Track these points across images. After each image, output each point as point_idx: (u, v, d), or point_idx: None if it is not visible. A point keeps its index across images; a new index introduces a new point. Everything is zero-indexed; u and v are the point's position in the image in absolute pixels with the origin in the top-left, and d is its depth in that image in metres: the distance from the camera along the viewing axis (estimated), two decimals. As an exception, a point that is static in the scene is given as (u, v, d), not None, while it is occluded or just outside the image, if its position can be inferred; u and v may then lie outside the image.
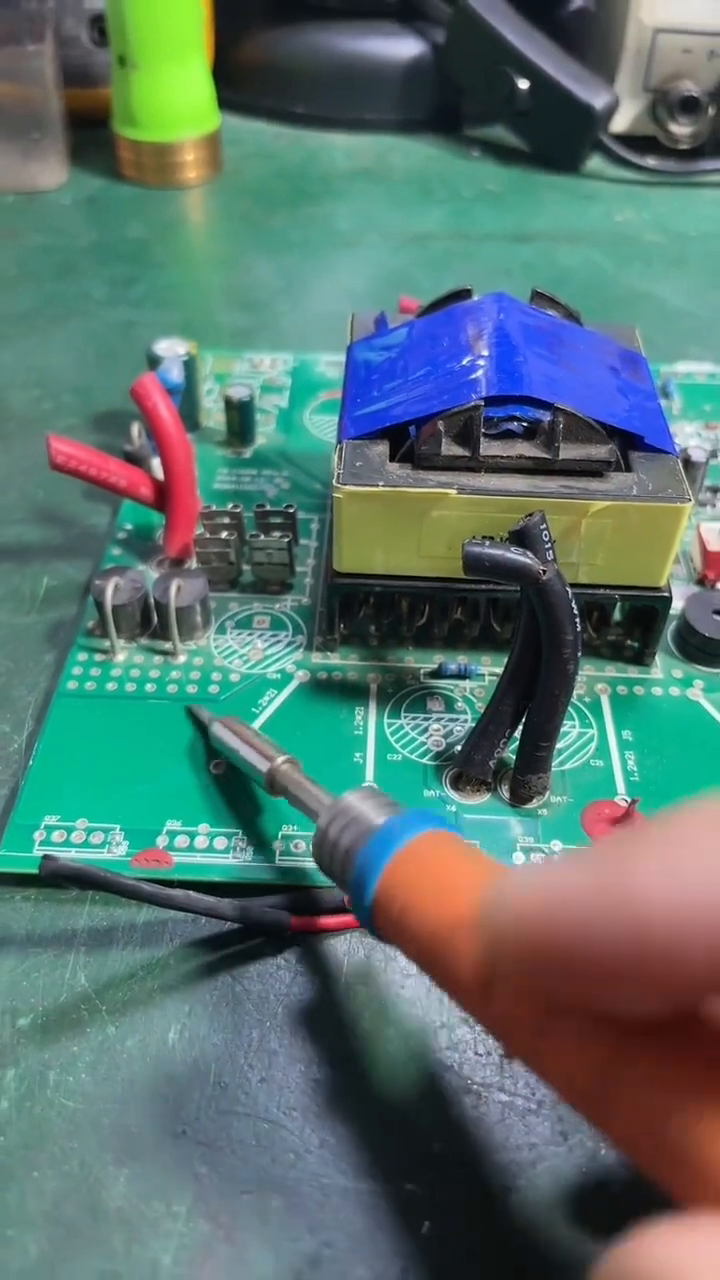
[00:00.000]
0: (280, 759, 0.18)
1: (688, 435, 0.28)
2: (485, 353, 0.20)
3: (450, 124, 0.49)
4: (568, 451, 0.19)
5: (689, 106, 0.43)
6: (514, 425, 0.19)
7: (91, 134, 0.45)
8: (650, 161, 0.44)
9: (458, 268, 0.38)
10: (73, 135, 0.45)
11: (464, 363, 0.20)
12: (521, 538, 0.18)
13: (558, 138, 0.44)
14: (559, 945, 0.10)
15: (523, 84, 0.42)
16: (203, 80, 0.43)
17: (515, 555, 0.17)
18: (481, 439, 0.19)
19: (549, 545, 0.18)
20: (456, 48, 0.45)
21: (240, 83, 0.50)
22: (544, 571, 0.17)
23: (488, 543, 0.17)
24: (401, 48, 0.47)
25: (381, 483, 0.19)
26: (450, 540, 0.20)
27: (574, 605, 0.17)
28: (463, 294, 0.23)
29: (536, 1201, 0.15)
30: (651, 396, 0.21)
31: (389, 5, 0.48)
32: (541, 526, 0.18)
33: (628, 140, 0.45)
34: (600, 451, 0.19)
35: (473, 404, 0.19)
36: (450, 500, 0.19)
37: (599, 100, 0.42)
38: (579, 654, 0.18)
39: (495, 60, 0.43)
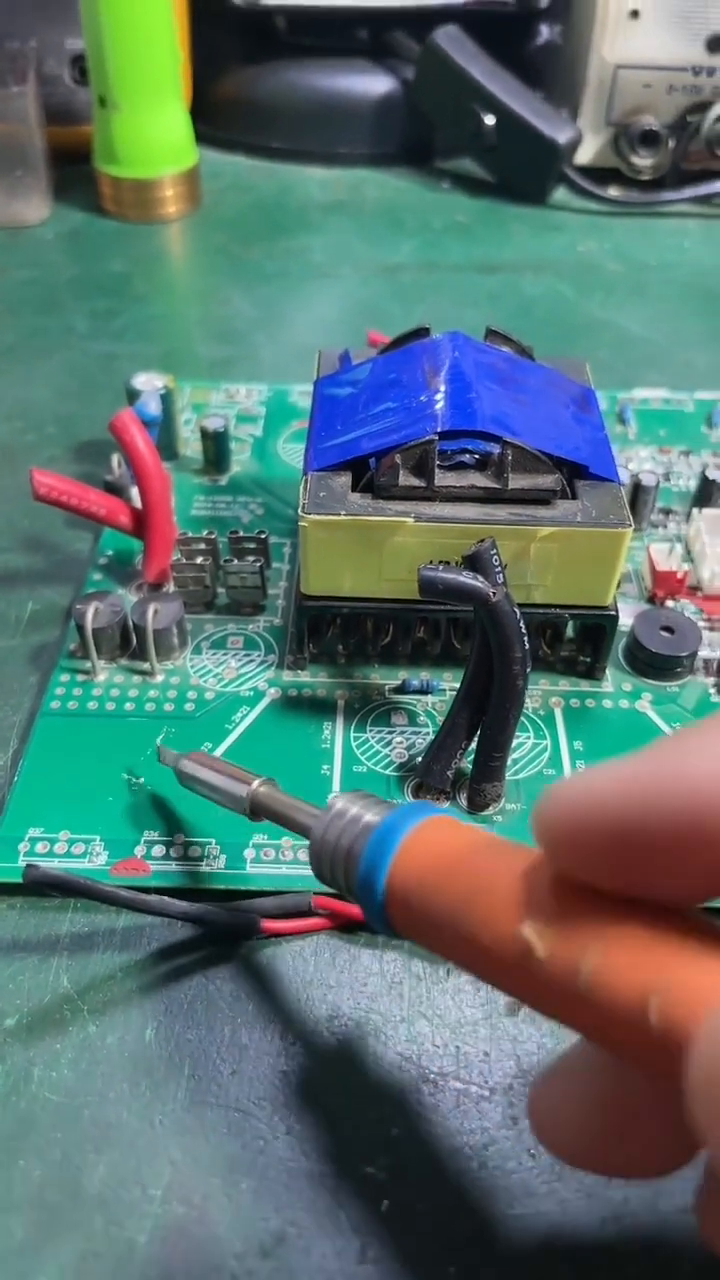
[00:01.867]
0: (257, 782, 0.18)
1: (642, 459, 0.30)
2: (441, 389, 0.22)
3: (421, 157, 0.50)
4: (516, 481, 0.20)
5: (649, 140, 0.45)
6: (466, 457, 0.21)
7: (74, 170, 0.47)
8: (613, 193, 0.46)
9: (427, 298, 0.40)
10: (55, 171, 0.46)
11: (421, 399, 0.22)
12: (474, 562, 0.19)
13: (524, 171, 0.46)
14: (617, 823, 0.10)
15: (489, 120, 0.44)
16: (181, 119, 0.44)
17: (466, 579, 0.19)
18: (436, 470, 0.21)
19: (499, 569, 0.19)
20: (426, 84, 0.47)
21: (218, 119, 0.51)
22: (493, 594, 0.18)
23: (442, 567, 0.19)
24: (373, 84, 0.49)
25: (344, 512, 0.21)
26: (409, 564, 0.21)
27: (522, 625, 0.19)
28: (421, 332, 0.24)
29: (488, 1180, 0.16)
30: (599, 428, 0.23)
31: (361, 43, 0.50)
32: (492, 552, 0.19)
33: (592, 172, 0.47)
34: (547, 481, 0.20)
35: (428, 438, 0.20)
36: (408, 528, 0.21)
37: (563, 135, 0.44)
38: (528, 670, 0.19)
39: (463, 97, 0.45)
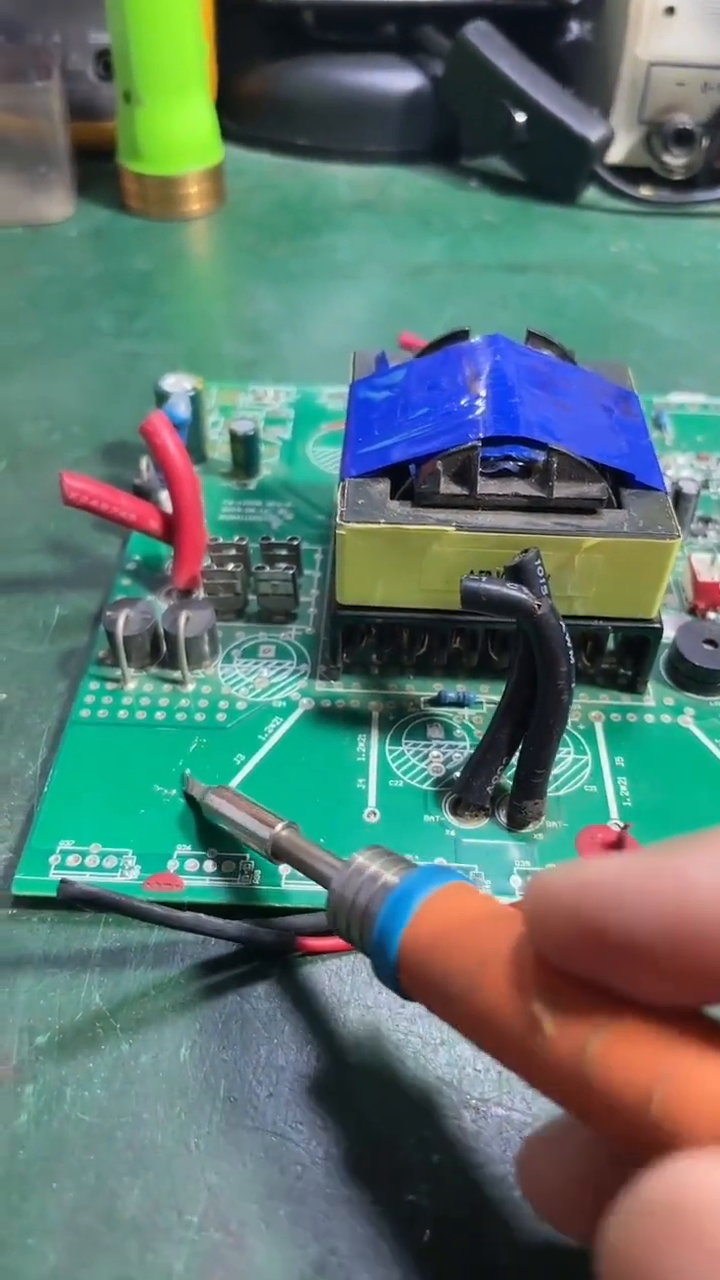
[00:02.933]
0: (280, 825, 0.18)
1: (680, 466, 0.29)
2: (482, 394, 0.21)
3: (449, 155, 0.50)
4: (561, 490, 0.20)
5: (683, 139, 0.44)
6: (510, 465, 0.20)
7: (97, 166, 0.46)
8: (645, 192, 0.45)
9: (456, 299, 0.39)
10: (79, 168, 0.46)
11: (462, 404, 0.21)
12: (517, 573, 0.18)
13: (554, 169, 0.45)
14: (604, 915, 0.10)
15: (520, 117, 0.44)
16: (206, 115, 0.44)
17: (511, 590, 0.18)
18: (479, 478, 0.20)
19: (543, 580, 0.18)
20: (455, 81, 0.46)
21: (243, 115, 0.51)
22: (539, 606, 0.18)
23: (484, 578, 0.18)
24: (401, 80, 0.49)
25: (383, 520, 0.20)
26: (449, 574, 0.21)
27: (568, 638, 0.18)
28: (460, 335, 0.24)
29: (532, 1212, 0.16)
30: (643, 434, 0.22)
31: (389, 38, 0.49)
32: (536, 562, 0.18)
33: (623, 171, 0.46)
34: (593, 490, 0.20)
35: (470, 444, 0.20)
36: (449, 537, 0.20)
37: (594, 133, 0.43)
38: (573, 684, 0.19)
39: (493, 93, 0.44)
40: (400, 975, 0.14)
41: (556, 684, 0.18)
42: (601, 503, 0.20)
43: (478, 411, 0.21)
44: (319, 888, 0.18)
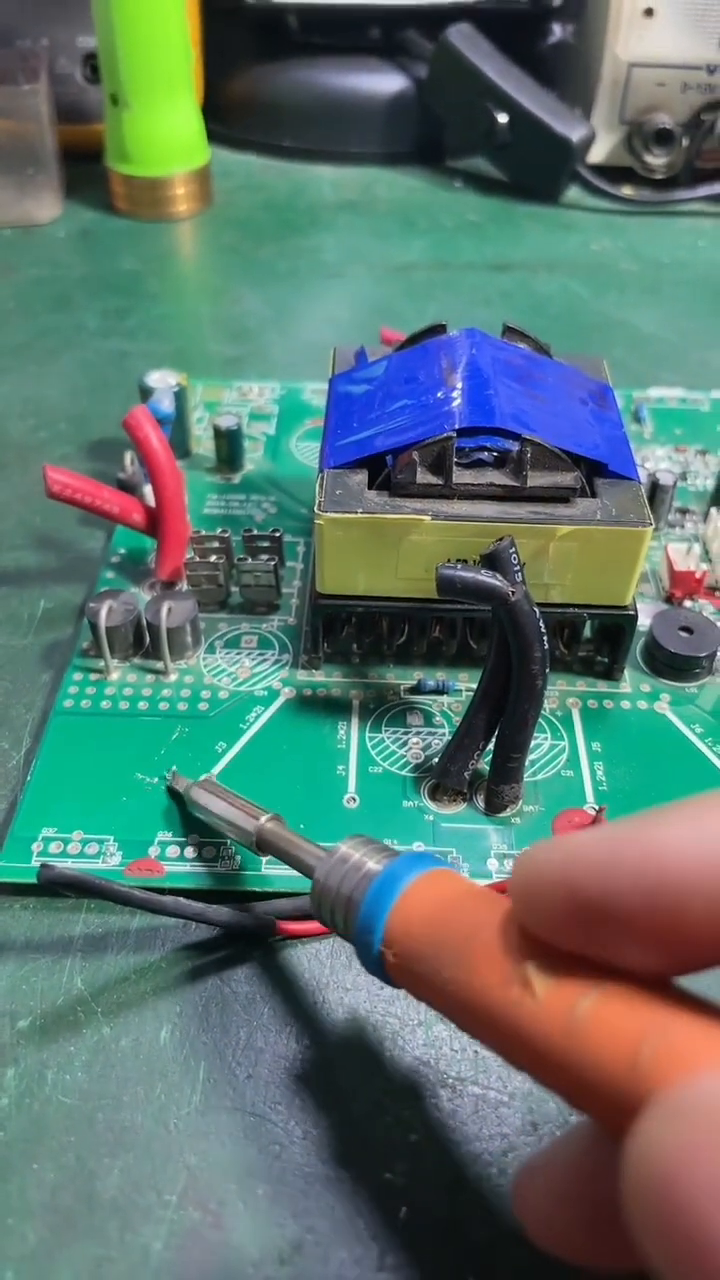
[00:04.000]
0: (264, 817, 0.18)
1: (659, 459, 0.30)
2: (458, 386, 0.21)
3: (433, 156, 0.50)
4: (535, 479, 0.20)
5: (663, 138, 0.45)
6: (485, 455, 0.21)
7: (85, 168, 0.47)
8: (626, 191, 0.46)
9: (439, 297, 0.40)
10: (67, 170, 0.46)
11: (438, 396, 0.21)
12: (492, 561, 0.19)
13: (537, 169, 0.45)
14: (585, 885, 0.11)
15: (502, 118, 0.44)
16: (192, 117, 0.44)
17: (485, 578, 0.18)
18: (454, 468, 0.20)
19: (518, 568, 0.19)
20: (438, 83, 0.47)
21: (230, 117, 0.51)
22: (512, 593, 0.18)
23: (460, 566, 0.19)
24: (386, 83, 0.49)
25: (360, 509, 0.20)
26: (426, 563, 0.21)
27: (542, 624, 0.19)
28: (437, 329, 0.24)
29: (508, 1187, 0.16)
30: (617, 426, 0.22)
31: (373, 41, 0.49)
32: (511, 550, 0.19)
33: (605, 171, 0.46)
34: (566, 479, 0.20)
35: (446, 435, 0.20)
36: (425, 526, 0.20)
37: (576, 133, 0.44)
38: (547, 670, 0.19)
39: (475, 95, 0.45)
40: (386, 961, 0.14)
41: (531, 670, 0.19)
42: (575, 492, 0.20)
43: (453, 403, 0.21)
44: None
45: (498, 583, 0.18)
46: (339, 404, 0.23)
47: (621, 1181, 0.10)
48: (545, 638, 0.19)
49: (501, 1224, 0.15)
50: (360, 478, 0.21)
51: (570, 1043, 0.11)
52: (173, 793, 0.20)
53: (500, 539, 0.19)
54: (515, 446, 0.20)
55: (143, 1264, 0.15)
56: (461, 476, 0.20)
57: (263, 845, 0.18)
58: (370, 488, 0.21)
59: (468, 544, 0.20)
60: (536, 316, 0.39)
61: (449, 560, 0.21)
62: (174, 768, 0.21)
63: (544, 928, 0.12)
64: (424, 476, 0.20)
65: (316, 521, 0.20)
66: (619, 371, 0.34)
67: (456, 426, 0.20)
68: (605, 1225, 0.12)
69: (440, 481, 0.20)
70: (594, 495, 0.21)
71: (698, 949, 0.11)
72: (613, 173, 0.46)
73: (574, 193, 0.47)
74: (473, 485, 0.20)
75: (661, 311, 0.39)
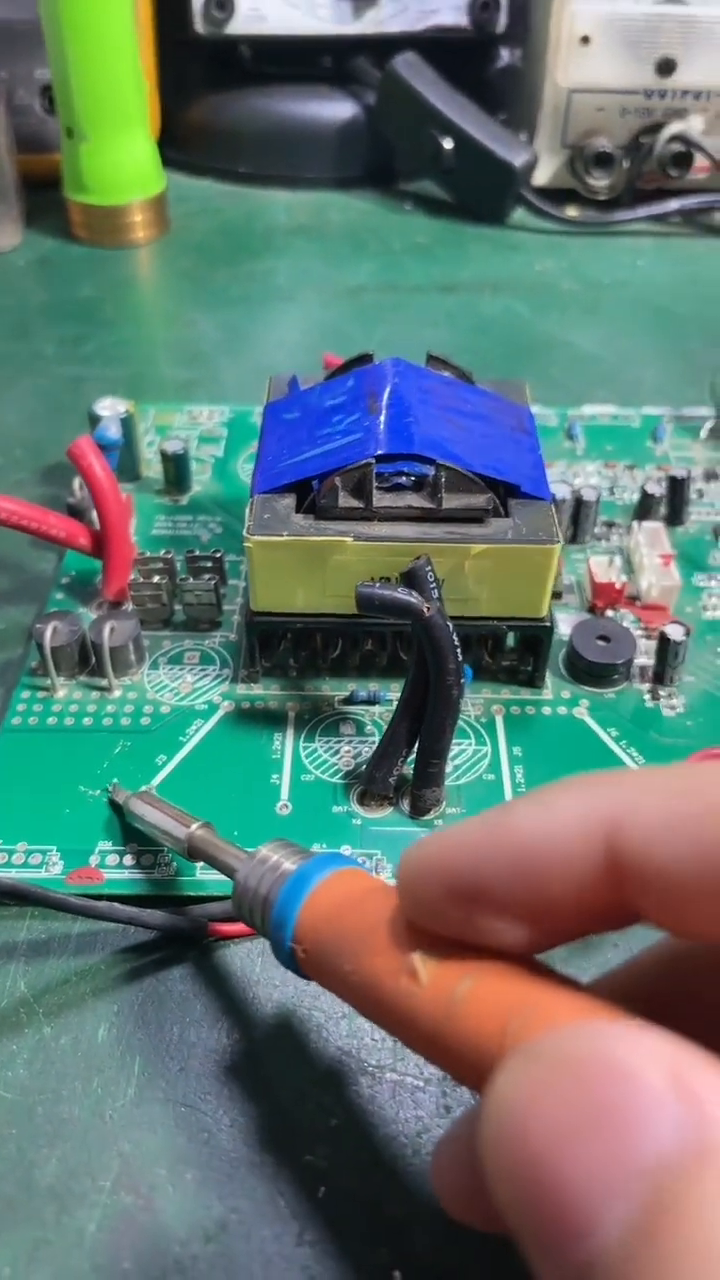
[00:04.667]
0: (195, 825, 0.19)
1: (589, 474, 0.31)
2: (381, 414, 0.23)
3: (384, 180, 0.52)
4: (450, 501, 0.21)
5: (604, 161, 0.46)
6: (403, 479, 0.22)
7: (45, 197, 0.48)
8: (570, 213, 0.47)
9: (387, 319, 0.41)
10: (26, 199, 0.47)
11: (362, 423, 0.23)
12: (410, 579, 0.20)
13: (482, 193, 0.47)
14: (459, 870, 0.12)
15: (447, 144, 0.46)
16: (147, 147, 0.46)
17: (401, 595, 0.20)
18: (374, 492, 0.22)
19: (434, 585, 0.20)
20: (387, 109, 0.48)
21: (187, 145, 0.52)
22: (427, 609, 0.19)
23: (378, 584, 0.20)
24: (337, 109, 0.50)
25: (286, 532, 0.22)
26: (352, 581, 0.22)
27: (455, 638, 0.20)
28: (365, 358, 0.25)
29: (421, 1165, 0.17)
30: (533, 449, 0.24)
31: (324, 70, 0.51)
32: (427, 569, 0.20)
33: (550, 193, 0.48)
34: (479, 500, 0.22)
35: (366, 461, 0.22)
36: (348, 547, 0.22)
37: (518, 158, 0.45)
38: (462, 681, 0.20)
39: (421, 121, 0.46)
40: (296, 954, 0.15)
41: (446, 680, 0.20)
42: (488, 512, 0.22)
43: (375, 430, 0.22)
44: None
45: (412, 599, 0.19)
46: (272, 431, 0.24)
47: (477, 1137, 0.10)
48: (459, 650, 0.20)
49: (416, 1201, 0.17)
50: (288, 502, 0.22)
51: (451, 1025, 0.12)
52: (114, 804, 0.21)
53: (417, 558, 0.20)
54: (431, 471, 0.22)
55: (78, 1245, 0.16)
56: (381, 500, 0.22)
57: (193, 851, 0.19)
58: (298, 511, 0.22)
59: (389, 563, 0.22)
60: (480, 337, 0.40)
61: (371, 578, 0.22)
62: (115, 781, 0.22)
63: (425, 916, 0.13)
64: (346, 500, 0.22)
65: (246, 544, 0.22)
66: (556, 390, 0.36)
67: (377, 453, 0.22)
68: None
69: (361, 505, 0.22)
70: (507, 515, 0.22)
71: (557, 919, 0.12)
72: (557, 194, 0.48)
73: (520, 214, 0.48)
74: (392, 508, 0.22)
75: (600, 330, 0.40)
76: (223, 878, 0.20)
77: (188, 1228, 0.16)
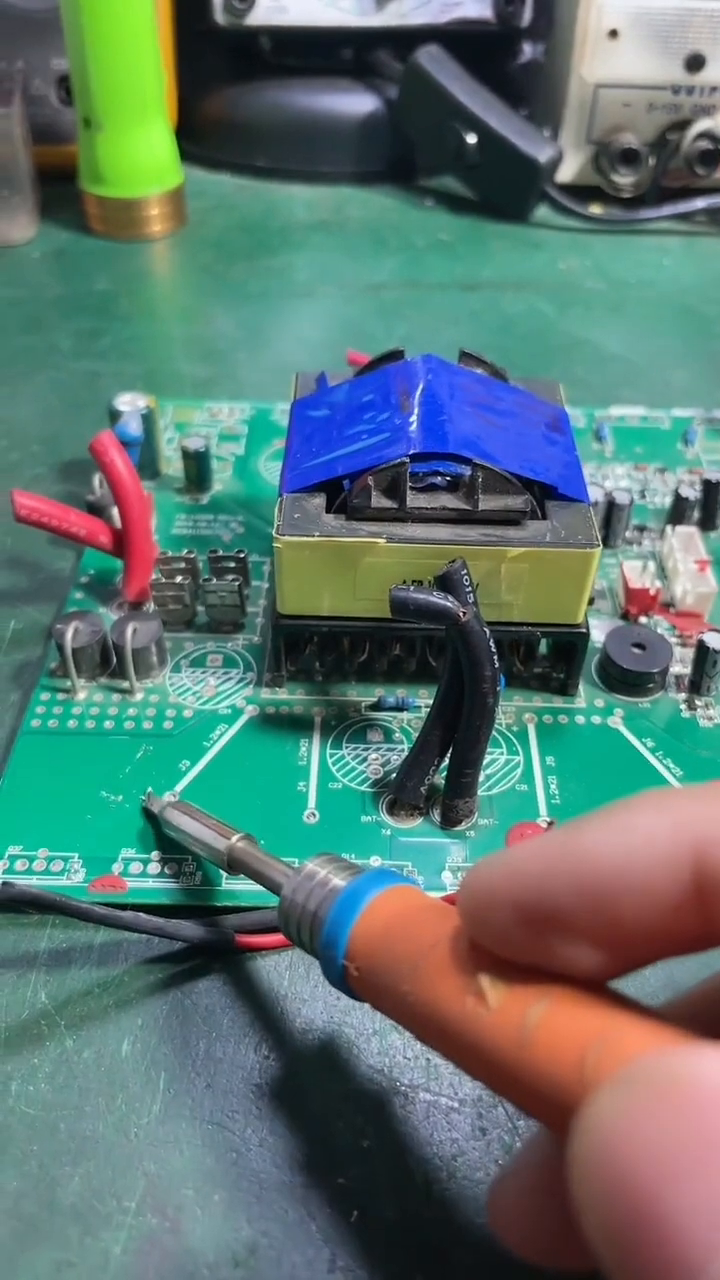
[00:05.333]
0: (236, 837, 0.18)
1: (619, 477, 0.30)
2: (414, 412, 0.22)
3: (405, 175, 0.51)
4: (486, 503, 0.21)
5: (629, 158, 0.46)
6: (438, 479, 0.21)
7: (60, 189, 0.47)
8: (594, 210, 0.47)
9: (408, 316, 0.40)
10: (41, 191, 0.47)
11: (395, 421, 0.22)
12: (444, 582, 0.19)
13: (505, 189, 0.46)
14: (530, 892, 0.12)
15: (470, 139, 0.45)
16: (165, 139, 0.45)
17: (437, 599, 0.19)
18: (408, 492, 0.21)
19: (469, 589, 0.19)
20: (409, 103, 0.48)
21: (205, 138, 0.52)
22: (463, 614, 0.19)
23: (413, 587, 0.19)
24: (357, 103, 0.50)
25: (317, 533, 0.21)
26: (383, 584, 0.21)
27: (492, 644, 0.19)
28: (396, 355, 0.25)
29: (456, 1190, 0.16)
30: (569, 449, 0.23)
31: (345, 63, 0.50)
32: (462, 572, 0.19)
33: (574, 190, 0.47)
34: (516, 502, 0.21)
35: (400, 460, 0.21)
36: (380, 548, 0.21)
37: (543, 154, 0.44)
38: (499, 688, 0.20)
39: (444, 116, 0.46)
40: (348, 974, 0.15)
41: (482, 687, 0.19)
42: (525, 514, 0.21)
43: (409, 429, 0.22)
44: (257, 887, 0.19)
45: (449, 604, 0.19)
46: (300, 428, 0.24)
47: (567, 1171, 0.10)
48: (495, 657, 0.19)
49: (451, 1225, 0.16)
50: (318, 501, 0.22)
51: (523, 1053, 0.12)
52: (147, 813, 0.21)
53: (452, 561, 0.19)
54: (468, 471, 0.21)
55: (102, 1268, 0.15)
56: (415, 500, 0.21)
57: (234, 864, 0.18)
58: (328, 511, 0.22)
59: (422, 566, 0.21)
60: (503, 336, 0.39)
61: (404, 581, 0.21)
62: (150, 789, 0.21)
63: (492, 940, 0.12)
64: (379, 500, 0.21)
65: (275, 545, 0.21)
66: (582, 390, 0.35)
67: (411, 452, 0.21)
68: (574, 1226, 0.13)
69: (395, 505, 0.21)
70: (545, 517, 0.21)
71: (634, 944, 0.11)
72: (581, 191, 0.47)
73: (543, 211, 0.48)
74: (426, 509, 0.21)
75: (625, 330, 0.39)
76: (250, 888, 0.19)
77: (216, 1251, 0.16)
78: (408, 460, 0.21)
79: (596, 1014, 0.11)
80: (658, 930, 0.11)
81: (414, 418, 0.22)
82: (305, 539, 0.21)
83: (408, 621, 0.22)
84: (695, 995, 0.14)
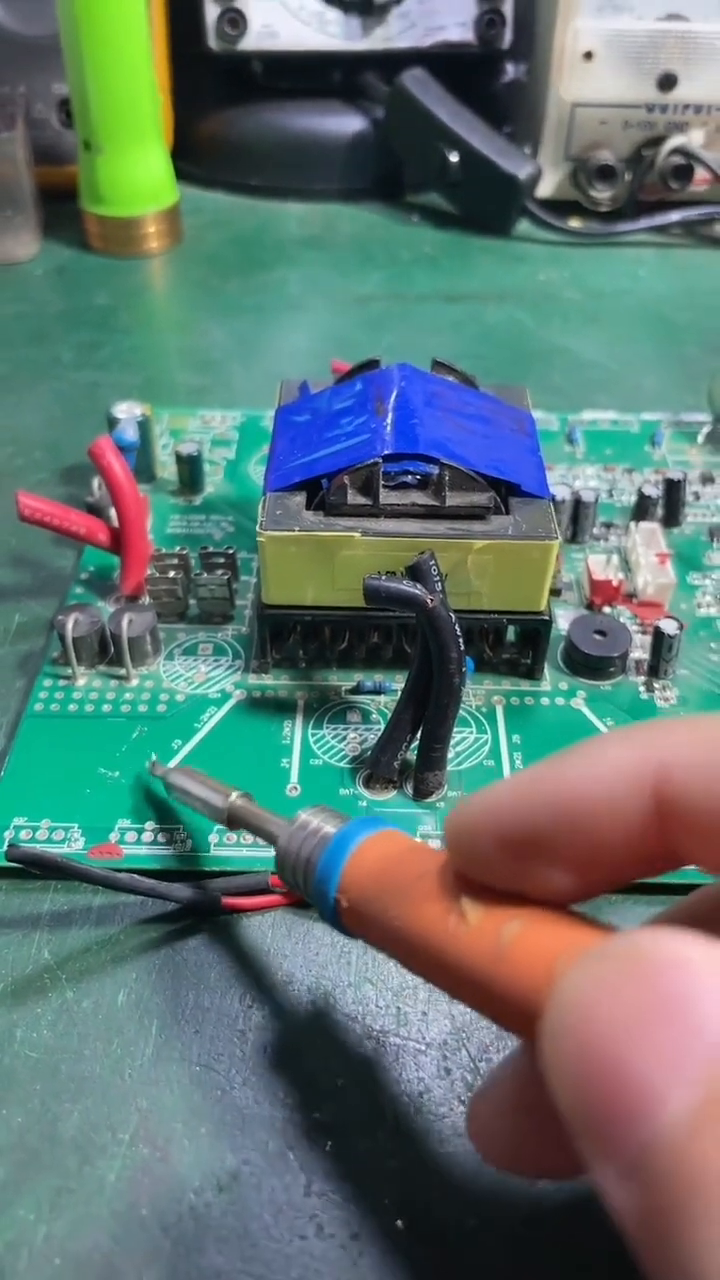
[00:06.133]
0: (235, 794, 0.20)
1: (589, 477, 0.32)
2: (387, 416, 0.24)
3: (392, 192, 0.53)
4: (453, 499, 0.23)
5: (606, 174, 0.48)
6: (409, 478, 0.23)
7: (61, 208, 0.49)
8: (573, 224, 0.48)
9: (393, 327, 0.42)
10: (44, 210, 0.49)
11: (369, 425, 0.24)
12: (414, 572, 0.21)
13: (487, 205, 0.48)
14: (511, 821, 0.13)
15: (453, 157, 0.47)
16: (161, 160, 0.47)
17: (406, 587, 0.21)
18: (381, 490, 0.23)
19: (438, 578, 0.21)
20: (395, 124, 0.50)
21: (201, 158, 0.54)
22: (430, 600, 0.21)
23: (385, 577, 0.21)
24: (346, 123, 0.52)
25: (297, 528, 0.23)
26: (359, 575, 0.23)
27: (458, 629, 0.21)
28: (372, 364, 0.26)
29: (422, 1123, 0.18)
30: (533, 450, 0.25)
31: (334, 85, 0.52)
32: (430, 563, 0.21)
33: (555, 204, 0.49)
34: (481, 499, 0.23)
35: (374, 460, 0.23)
36: (355, 542, 0.23)
37: (522, 171, 0.46)
38: (464, 670, 0.21)
39: (428, 135, 0.48)
40: (340, 908, 0.16)
41: (448, 669, 0.21)
42: (489, 510, 0.23)
43: (382, 432, 0.23)
44: (244, 852, 0.21)
45: (416, 591, 0.21)
46: (283, 432, 0.26)
47: (539, 1046, 0.11)
48: (461, 641, 0.21)
49: (417, 1155, 0.18)
50: (299, 499, 0.23)
51: (500, 967, 0.13)
52: (152, 778, 0.22)
53: (421, 553, 0.21)
54: (436, 470, 0.23)
55: (98, 1192, 0.17)
56: (388, 497, 0.23)
57: (233, 819, 0.19)
58: (308, 508, 0.23)
59: (395, 558, 0.23)
60: (483, 345, 0.41)
61: (379, 573, 0.23)
62: (154, 756, 0.23)
63: (476, 867, 0.13)
64: (354, 498, 0.23)
65: (259, 539, 0.23)
66: (557, 396, 0.37)
67: (384, 453, 0.23)
68: (547, 1131, 0.13)
69: (369, 502, 0.23)
70: (508, 512, 0.23)
71: (605, 865, 0.13)
72: (561, 206, 0.49)
73: (524, 226, 0.50)
74: (398, 505, 0.23)
75: (601, 339, 0.41)
76: (238, 853, 0.21)
77: (202, 1177, 0.17)
78: (381, 460, 0.23)
79: (568, 929, 0.13)
80: (625, 851, 0.12)
81: (388, 421, 0.24)
82: (286, 533, 0.23)
83: (383, 609, 0.23)
84: (682, 907, 0.15)
